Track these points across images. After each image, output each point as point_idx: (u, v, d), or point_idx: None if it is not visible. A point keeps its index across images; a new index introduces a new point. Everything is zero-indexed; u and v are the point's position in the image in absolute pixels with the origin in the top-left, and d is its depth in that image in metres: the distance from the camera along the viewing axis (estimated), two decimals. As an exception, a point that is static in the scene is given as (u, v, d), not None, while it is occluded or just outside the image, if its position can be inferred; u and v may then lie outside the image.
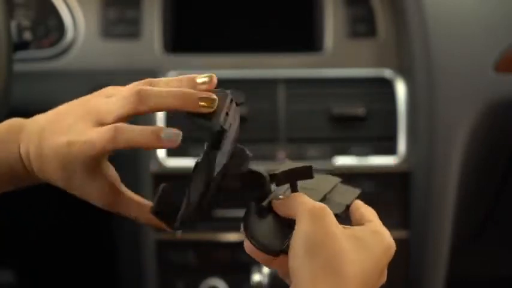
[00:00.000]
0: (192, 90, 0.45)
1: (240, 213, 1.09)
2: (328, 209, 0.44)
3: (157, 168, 0.99)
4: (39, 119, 0.48)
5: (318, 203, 0.45)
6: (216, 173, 0.45)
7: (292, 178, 0.48)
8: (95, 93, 0.48)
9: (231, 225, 1.00)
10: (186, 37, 1.07)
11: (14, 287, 1.33)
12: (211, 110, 0.45)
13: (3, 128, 0.49)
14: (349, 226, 0.46)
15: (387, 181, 1.01)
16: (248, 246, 0.47)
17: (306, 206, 0.44)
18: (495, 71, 1.00)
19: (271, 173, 0.48)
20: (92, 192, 0.47)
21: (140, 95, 0.44)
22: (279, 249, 0.45)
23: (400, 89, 1.02)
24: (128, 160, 0.99)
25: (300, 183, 0.50)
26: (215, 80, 0.47)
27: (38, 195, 1.18)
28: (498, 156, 1.08)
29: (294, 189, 0.49)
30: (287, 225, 0.46)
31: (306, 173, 0.47)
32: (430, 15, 1.01)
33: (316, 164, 0.99)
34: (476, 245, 1.22)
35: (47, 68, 1.04)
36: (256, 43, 1.07)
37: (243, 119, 0.98)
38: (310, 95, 1.02)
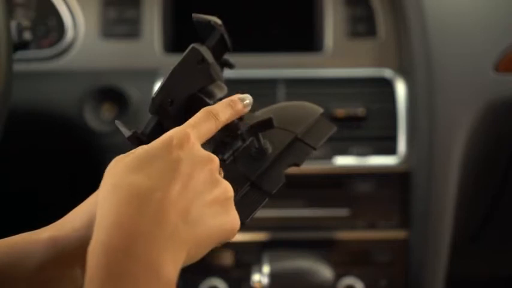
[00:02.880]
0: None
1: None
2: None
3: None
4: None
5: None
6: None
7: (257, 130, 0.54)
8: None
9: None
10: (186, 37, 1.07)
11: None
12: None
13: None
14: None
15: (387, 181, 1.01)
16: None
17: None
18: (495, 71, 1.00)
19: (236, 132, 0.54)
20: None
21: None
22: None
23: (400, 89, 1.02)
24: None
25: (283, 116, 0.56)
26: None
27: (38, 195, 1.18)
28: (498, 156, 1.07)
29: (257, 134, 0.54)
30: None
31: (268, 124, 0.52)
32: (430, 15, 1.01)
33: (316, 164, 0.99)
34: (476, 245, 1.22)
35: (47, 68, 1.04)
36: (256, 43, 1.06)
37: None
38: (310, 95, 1.02)
